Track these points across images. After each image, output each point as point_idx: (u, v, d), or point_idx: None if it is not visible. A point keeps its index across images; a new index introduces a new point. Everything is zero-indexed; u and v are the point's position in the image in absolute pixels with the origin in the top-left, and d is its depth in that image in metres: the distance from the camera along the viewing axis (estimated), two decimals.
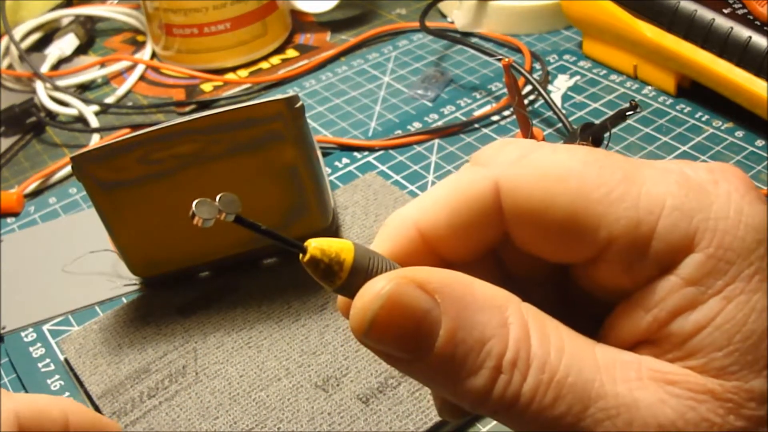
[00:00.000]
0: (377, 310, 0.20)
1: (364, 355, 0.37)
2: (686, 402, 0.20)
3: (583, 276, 0.23)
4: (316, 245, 0.21)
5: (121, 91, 0.62)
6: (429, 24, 0.61)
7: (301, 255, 0.21)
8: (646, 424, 0.20)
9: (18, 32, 0.68)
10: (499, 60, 0.46)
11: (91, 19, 0.72)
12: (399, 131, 0.54)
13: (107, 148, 0.37)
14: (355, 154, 0.52)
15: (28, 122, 0.58)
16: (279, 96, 0.37)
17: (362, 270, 0.21)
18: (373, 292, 0.21)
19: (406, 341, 0.21)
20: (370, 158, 0.52)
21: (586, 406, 0.20)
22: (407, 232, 0.23)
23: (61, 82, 0.62)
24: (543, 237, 0.22)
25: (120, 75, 0.65)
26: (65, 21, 0.71)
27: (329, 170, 0.51)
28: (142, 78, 0.64)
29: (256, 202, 0.38)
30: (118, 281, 0.43)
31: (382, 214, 0.44)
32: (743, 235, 0.20)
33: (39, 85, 0.61)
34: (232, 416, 0.35)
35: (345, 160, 0.52)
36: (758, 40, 0.46)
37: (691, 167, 0.21)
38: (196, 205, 0.20)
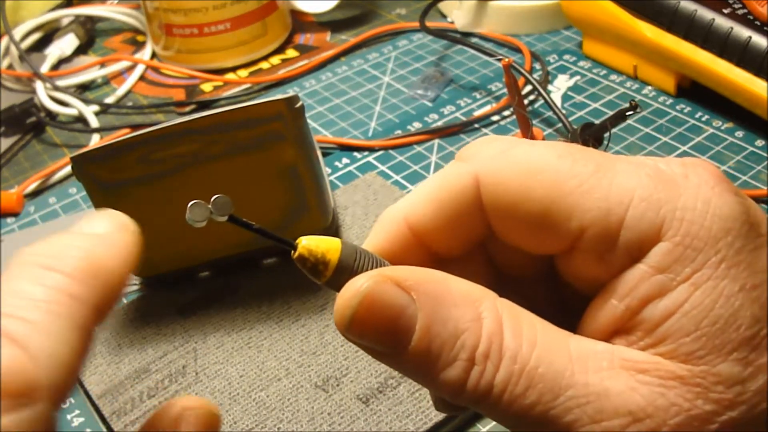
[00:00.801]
0: (356, 307, 0.21)
1: (364, 356, 0.37)
2: (656, 389, 0.21)
3: (563, 267, 0.24)
4: (305, 244, 0.22)
5: (121, 91, 0.62)
6: (429, 24, 0.61)
7: (292, 252, 0.22)
8: (616, 411, 0.21)
9: (18, 32, 0.68)
10: (499, 60, 0.47)
11: (91, 19, 0.72)
12: (399, 131, 0.54)
13: (107, 148, 0.37)
14: (355, 154, 0.52)
15: (28, 122, 0.58)
16: (279, 96, 0.37)
17: (347, 268, 0.22)
18: (353, 289, 0.22)
19: (385, 336, 0.22)
20: (370, 158, 0.52)
21: (557, 395, 0.21)
22: (398, 227, 0.24)
23: (61, 82, 0.62)
24: (521, 228, 0.23)
25: (120, 75, 0.65)
26: (65, 21, 0.71)
27: (329, 170, 0.51)
28: (142, 78, 0.64)
29: (256, 201, 0.38)
30: None
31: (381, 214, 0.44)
32: (710, 224, 0.20)
33: (39, 85, 0.61)
34: (232, 416, 0.35)
35: (345, 160, 0.52)
36: (758, 40, 0.46)
37: (664, 162, 0.22)
38: (189, 207, 0.22)
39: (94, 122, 0.58)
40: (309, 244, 0.22)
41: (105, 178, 0.38)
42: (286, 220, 0.40)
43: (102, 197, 0.38)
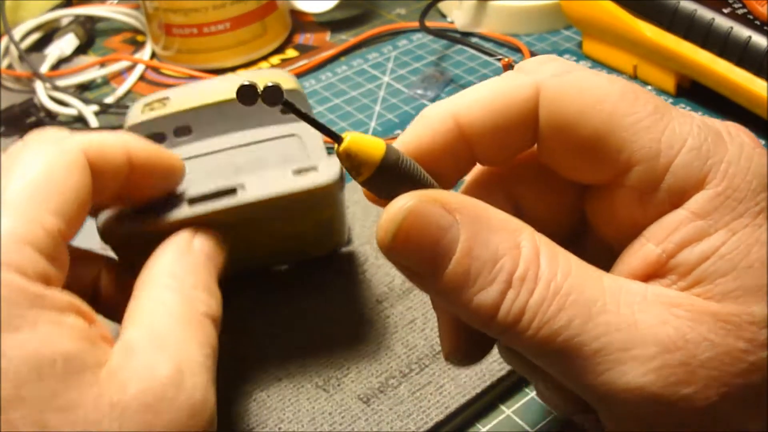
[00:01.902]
0: (400, 223, 0.22)
1: (365, 355, 0.37)
2: (688, 323, 0.21)
3: (599, 207, 0.25)
4: (351, 139, 0.23)
5: (121, 91, 0.62)
6: (429, 24, 0.61)
7: (336, 145, 0.23)
8: (644, 341, 0.21)
9: (18, 32, 0.68)
10: (499, 60, 0.47)
11: (91, 19, 0.72)
12: (399, 131, 0.54)
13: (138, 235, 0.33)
14: None
15: (28, 122, 0.58)
16: (327, 177, 0.34)
17: (389, 171, 0.23)
18: (397, 206, 0.22)
19: (426, 254, 0.22)
20: None
21: (586, 322, 0.21)
22: (445, 123, 0.24)
23: (60, 82, 0.62)
24: (570, 151, 0.24)
25: (120, 75, 0.65)
26: (65, 21, 0.71)
27: None
28: (141, 78, 0.64)
29: (280, 238, 0.38)
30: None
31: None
32: (751, 178, 0.22)
33: (39, 85, 0.61)
34: (232, 416, 0.35)
35: None
36: (758, 39, 0.46)
37: (709, 119, 0.23)
38: (239, 91, 0.23)
39: (93, 122, 0.58)
40: (354, 141, 0.23)
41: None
42: (306, 247, 0.40)
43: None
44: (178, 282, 0.28)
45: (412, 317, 0.38)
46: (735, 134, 0.23)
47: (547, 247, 0.23)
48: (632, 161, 0.23)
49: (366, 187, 0.24)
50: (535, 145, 0.25)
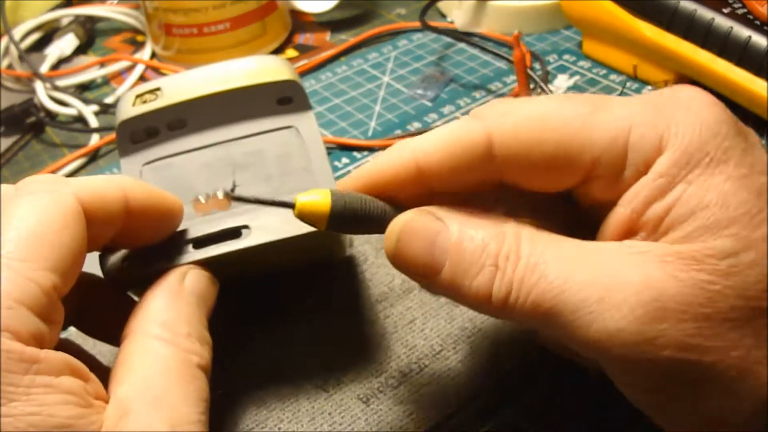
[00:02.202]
0: (399, 233, 0.27)
1: (365, 355, 0.37)
2: (654, 265, 0.24)
3: (580, 198, 0.27)
4: (299, 205, 0.28)
5: (121, 91, 0.62)
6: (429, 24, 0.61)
7: (293, 210, 0.28)
8: (617, 289, 0.23)
9: (18, 32, 0.68)
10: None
11: (91, 19, 0.72)
12: (399, 131, 0.54)
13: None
14: (355, 154, 0.52)
15: (28, 122, 0.58)
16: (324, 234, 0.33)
17: (339, 216, 0.27)
18: (398, 222, 0.27)
19: (424, 257, 0.26)
20: (369, 158, 0.52)
21: (565, 282, 0.24)
22: (405, 158, 0.28)
23: (60, 82, 0.62)
24: (536, 172, 0.27)
25: (120, 75, 0.65)
26: (65, 21, 0.71)
27: None
28: (141, 78, 0.64)
29: (282, 263, 0.38)
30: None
31: None
32: (699, 131, 0.24)
33: (39, 85, 0.61)
34: (232, 416, 0.35)
35: (345, 160, 0.52)
36: (758, 39, 0.46)
37: (657, 92, 0.26)
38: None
39: (93, 122, 0.58)
40: (301, 206, 0.28)
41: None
42: (308, 262, 0.40)
43: None
44: (170, 332, 0.28)
45: (412, 317, 0.38)
46: (681, 95, 0.25)
47: (528, 230, 0.26)
48: (594, 156, 0.25)
49: (334, 230, 0.28)
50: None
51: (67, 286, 0.26)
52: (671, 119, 0.24)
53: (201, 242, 0.32)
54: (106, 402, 0.26)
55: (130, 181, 0.30)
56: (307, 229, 0.32)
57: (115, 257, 0.32)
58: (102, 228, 0.28)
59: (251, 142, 0.38)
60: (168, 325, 0.28)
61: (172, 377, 0.26)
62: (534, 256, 0.25)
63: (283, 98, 0.39)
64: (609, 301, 0.23)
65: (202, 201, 0.29)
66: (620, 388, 0.26)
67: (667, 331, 0.23)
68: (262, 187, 0.37)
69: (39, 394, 0.23)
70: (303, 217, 0.28)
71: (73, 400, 0.24)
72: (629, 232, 0.25)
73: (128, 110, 0.38)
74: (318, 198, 0.28)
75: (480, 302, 0.26)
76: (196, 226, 0.33)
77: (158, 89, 0.38)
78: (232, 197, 0.29)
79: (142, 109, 0.37)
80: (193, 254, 0.32)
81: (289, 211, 0.29)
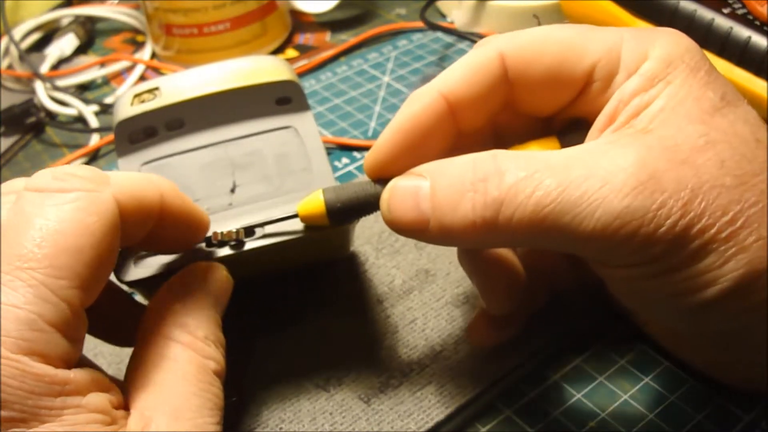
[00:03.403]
0: (388, 197, 0.29)
1: (366, 356, 0.37)
2: (641, 149, 0.26)
3: (581, 110, 0.30)
4: (299, 211, 0.31)
5: (121, 91, 0.62)
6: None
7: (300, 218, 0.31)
8: (613, 174, 0.25)
9: (18, 32, 0.68)
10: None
11: (91, 19, 0.72)
12: None
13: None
14: (355, 154, 0.52)
15: (28, 122, 0.58)
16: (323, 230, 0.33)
17: (337, 210, 0.30)
18: (386, 189, 0.29)
19: (412, 213, 0.28)
20: None
21: (561, 183, 0.26)
22: (432, 99, 0.30)
23: (60, 82, 0.62)
24: (543, 84, 0.29)
25: (120, 75, 0.65)
26: (65, 21, 0.71)
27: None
28: (141, 78, 0.64)
29: (290, 262, 0.38)
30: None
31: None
32: (677, 47, 0.28)
33: (39, 85, 0.61)
34: (233, 417, 0.35)
35: (345, 160, 0.52)
36: (758, 40, 0.46)
37: (639, 29, 0.30)
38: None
39: (93, 122, 0.58)
40: (301, 211, 0.31)
41: None
42: (315, 260, 0.40)
43: None
44: (189, 336, 0.28)
45: (412, 317, 0.38)
46: (664, 30, 0.29)
47: (504, 152, 0.27)
48: (594, 60, 0.28)
49: (337, 224, 0.31)
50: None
51: (92, 300, 0.26)
52: (654, 39, 0.28)
53: (214, 243, 0.33)
54: (126, 409, 0.26)
55: (167, 184, 0.29)
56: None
57: (128, 258, 0.32)
58: (132, 232, 0.28)
59: (250, 142, 0.38)
60: (187, 327, 0.28)
61: (192, 386, 0.27)
62: (520, 169, 0.26)
63: (281, 98, 0.39)
64: (608, 187, 0.25)
65: (219, 236, 0.32)
66: (611, 275, 0.29)
67: (667, 201, 0.25)
68: (261, 187, 0.37)
69: (70, 414, 0.23)
70: (307, 221, 0.30)
71: (100, 419, 0.24)
72: (610, 120, 0.28)
73: (126, 110, 0.37)
74: (311, 200, 0.30)
75: (471, 233, 0.27)
76: (219, 222, 0.33)
77: (156, 89, 0.38)
78: (247, 228, 0.33)
79: (140, 108, 0.37)
80: (207, 253, 0.32)
81: (292, 212, 0.32)
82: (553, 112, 0.31)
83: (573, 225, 0.25)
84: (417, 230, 0.28)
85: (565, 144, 0.29)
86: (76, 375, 0.24)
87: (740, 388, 0.33)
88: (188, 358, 0.27)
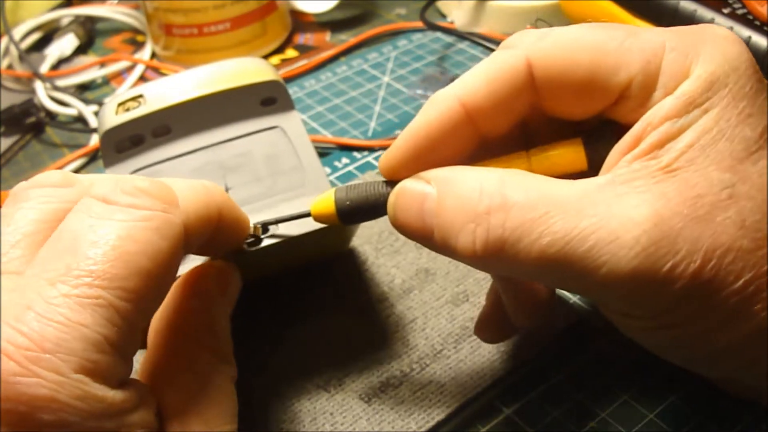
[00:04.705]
0: (394, 201, 0.28)
1: (366, 355, 0.37)
2: (658, 201, 0.24)
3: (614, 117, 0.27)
4: (311, 210, 0.30)
5: (121, 91, 0.62)
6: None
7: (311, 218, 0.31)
8: (625, 228, 0.24)
9: (18, 32, 0.68)
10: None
11: (91, 19, 0.72)
12: (399, 131, 0.54)
13: None
14: (355, 154, 0.52)
15: (28, 122, 0.58)
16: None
17: (347, 210, 0.30)
18: (393, 192, 0.28)
19: (416, 222, 0.27)
20: (369, 158, 0.52)
21: (571, 228, 0.24)
22: (450, 105, 0.28)
23: (60, 82, 0.62)
24: (572, 94, 0.27)
25: (120, 75, 0.65)
26: (65, 21, 0.71)
27: (329, 170, 0.51)
28: (141, 78, 0.64)
29: (296, 258, 0.38)
30: None
31: None
32: (722, 64, 0.25)
33: (39, 85, 0.61)
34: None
35: (345, 160, 0.52)
36: (758, 40, 0.46)
37: (683, 27, 0.27)
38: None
39: (93, 122, 0.58)
40: (313, 210, 0.30)
41: None
42: (318, 256, 0.40)
43: None
44: (212, 339, 0.28)
45: (412, 317, 0.38)
46: (711, 32, 0.26)
47: (513, 179, 0.26)
48: (630, 75, 0.26)
49: (347, 224, 0.30)
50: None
51: (149, 320, 0.26)
52: (699, 48, 0.25)
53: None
54: (155, 412, 0.26)
55: (222, 195, 0.29)
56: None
57: None
58: (189, 247, 0.27)
59: (238, 145, 0.38)
60: (209, 331, 0.28)
61: (218, 393, 0.27)
62: (528, 207, 0.25)
63: (266, 99, 0.39)
64: (620, 242, 0.24)
65: None
66: (618, 320, 0.28)
67: (679, 264, 0.24)
68: (254, 188, 0.37)
69: None
70: (318, 219, 0.30)
71: None
72: (636, 142, 0.26)
73: (111, 119, 0.37)
74: (323, 199, 0.30)
75: (472, 261, 0.26)
76: None
77: (140, 96, 0.38)
78: (262, 224, 0.32)
79: (125, 117, 0.37)
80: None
81: (299, 208, 0.32)
82: (584, 118, 0.29)
83: (581, 273, 0.24)
84: (421, 238, 0.27)
85: (589, 150, 0.28)
86: (129, 394, 0.24)
87: (744, 396, 0.32)
88: (213, 364, 0.27)
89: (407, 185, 0.28)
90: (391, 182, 0.29)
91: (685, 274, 0.24)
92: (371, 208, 0.30)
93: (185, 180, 0.28)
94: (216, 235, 0.28)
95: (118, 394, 0.23)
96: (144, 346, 0.29)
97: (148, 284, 0.24)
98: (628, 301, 0.26)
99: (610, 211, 0.24)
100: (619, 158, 0.26)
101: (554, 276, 0.26)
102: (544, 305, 0.33)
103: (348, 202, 0.29)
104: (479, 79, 0.27)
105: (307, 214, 0.31)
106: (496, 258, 0.25)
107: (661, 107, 0.25)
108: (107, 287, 0.23)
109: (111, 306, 0.23)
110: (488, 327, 0.35)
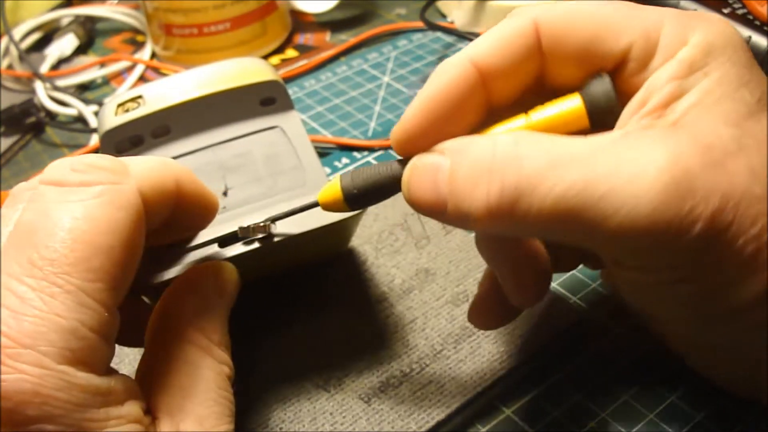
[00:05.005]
0: (409, 179, 0.27)
1: (366, 355, 0.37)
2: (672, 146, 0.24)
3: (618, 87, 0.28)
4: (319, 199, 0.30)
5: (121, 91, 0.62)
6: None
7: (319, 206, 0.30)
8: (643, 171, 0.24)
9: (18, 32, 0.68)
10: None
11: (91, 19, 0.72)
12: None
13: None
14: (355, 154, 0.52)
15: (28, 122, 0.58)
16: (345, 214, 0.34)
17: (354, 195, 0.29)
18: (407, 167, 0.28)
19: (430, 195, 0.27)
20: (369, 158, 0.52)
21: (585, 175, 0.24)
22: (465, 68, 0.28)
23: (60, 82, 0.62)
24: (575, 58, 0.28)
25: (120, 75, 0.65)
26: (65, 21, 0.71)
27: (329, 170, 0.51)
28: (141, 78, 0.64)
29: (297, 257, 0.38)
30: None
31: (381, 214, 0.44)
32: (720, 37, 0.26)
33: (39, 85, 0.61)
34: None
35: (345, 160, 0.52)
36: (758, 40, 0.46)
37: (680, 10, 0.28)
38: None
39: (93, 122, 0.58)
40: (320, 199, 0.30)
41: None
42: (319, 256, 0.40)
43: None
44: (206, 339, 0.28)
45: (412, 317, 0.38)
46: (707, 15, 0.28)
47: (526, 135, 0.26)
48: (632, 40, 0.27)
49: (356, 209, 0.30)
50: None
51: (122, 298, 0.25)
52: (696, 24, 0.27)
53: (227, 242, 0.33)
54: (148, 412, 0.26)
55: (179, 167, 0.28)
56: (327, 219, 0.33)
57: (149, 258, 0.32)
58: (152, 221, 0.27)
59: (238, 145, 0.38)
60: (204, 331, 0.28)
61: (212, 392, 0.27)
62: (542, 158, 0.25)
63: (265, 99, 0.39)
64: (637, 185, 0.23)
65: (250, 231, 0.32)
66: (629, 279, 0.28)
67: (697, 206, 0.23)
68: (254, 188, 0.37)
69: (113, 426, 0.23)
70: (327, 207, 0.30)
71: (138, 429, 0.24)
72: (641, 107, 0.26)
73: (111, 120, 0.37)
74: (329, 186, 0.30)
75: (487, 221, 0.26)
76: (215, 226, 0.33)
77: (140, 97, 0.38)
78: (272, 219, 0.32)
79: (124, 118, 0.37)
80: (221, 252, 0.32)
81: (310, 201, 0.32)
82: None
83: (595, 222, 0.24)
84: (435, 212, 0.27)
85: (588, 99, 0.27)
86: (116, 384, 0.24)
87: (745, 395, 0.32)
88: (208, 363, 0.27)
89: (420, 159, 0.27)
90: (401, 161, 0.29)
91: (704, 216, 0.24)
92: (379, 189, 0.29)
93: (138, 156, 0.28)
94: (180, 209, 0.28)
95: (104, 382, 0.23)
96: (142, 344, 0.29)
97: (114, 260, 0.24)
98: (645, 252, 0.25)
99: (626, 156, 0.24)
100: (628, 120, 0.27)
101: (570, 228, 0.25)
102: (543, 278, 0.32)
103: (354, 189, 0.29)
104: (491, 42, 0.28)
105: (315, 205, 0.31)
106: (510, 214, 0.25)
107: (664, 71, 0.26)
108: (73, 272, 0.23)
109: (80, 290, 0.23)
110: (483, 312, 0.34)
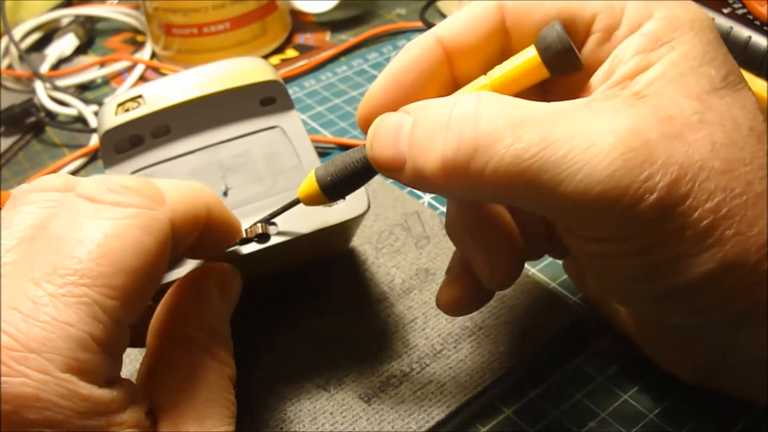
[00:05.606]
0: (373, 132, 0.28)
1: (366, 355, 0.37)
2: (634, 115, 0.24)
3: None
4: (299, 195, 0.31)
5: (121, 91, 0.62)
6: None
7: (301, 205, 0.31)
8: (602, 135, 0.24)
9: (18, 32, 0.68)
10: None
11: (91, 19, 0.72)
12: None
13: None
14: None
15: (28, 122, 0.58)
16: (362, 207, 0.35)
17: (330, 185, 0.29)
18: (372, 125, 0.28)
19: (390, 150, 0.27)
20: None
21: (545, 137, 0.24)
22: (430, 43, 0.29)
23: (60, 82, 0.62)
24: (539, 31, 0.27)
25: (120, 75, 0.65)
26: (65, 21, 0.71)
27: None
28: (141, 78, 0.64)
29: (299, 258, 0.38)
30: None
31: (381, 214, 0.44)
32: (686, 13, 0.27)
33: (39, 85, 0.61)
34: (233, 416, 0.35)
35: None
36: (758, 39, 0.46)
37: None
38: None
39: (93, 122, 0.58)
40: (300, 195, 0.30)
41: None
42: (320, 256, 0.40)
43: None
44: (208, 341, 0.28)
45: (412, 316, 0.38)
46: None
47: (488, 95, 0.26)
48: (596, 11, 0.27)
49: (335, 198, 0.30)
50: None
51: (136, 318, 0.25)
52: (662, 1, 0.27)
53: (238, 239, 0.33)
54: (148, 413, 0.26)
55: (211, 195, 0.29)
56: (329, 221, 0.34)
57: None
58: (178, 247, 0.27)
59: (238, 145, 0.38)
60: (206, 332, 0.28)
61: (214, 393, 0.27)
62: (502, 116, 0.24)
63: (265, 99, 0.39)
64: (597, 148, 0.23)
65: (244, 234, 0.32)
66: (581, 249, 0.27)
67: (654, 174, 0.23)
68: (254, 188, 0.37)
69: None
70: (307, 201, 0.30)
71: None
72: (606, 78, 0.27)
73: (111, 120, 0.37)
74: (306, 181, 0.30)
75: (442, 178, 0.25)
76: None
77: (140, 97, 0.38)
78: (266, 221, 0.33)
79: (124, 118, 0.37)
80: (230, 253, 0.32)
81: (304, 209, 0.32)
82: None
83: (552, 185, 0.24)
84: (394, 170, 0.27)
85: (541, 47, 0.27)
86: (118, 393, 0.24)
87: (744, 396, 0.32)
88: (210, 364, 0.27)
89: (386, 117, 0.27)
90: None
91: (661, 185, 0.23)
92: (353, 172, 0.29)
93: (173, 180, 0.28)
94: (205, 235, 0.28)
95: (106, 393, 0.23)
96: (143, 345, 0.29)
97: (135, 282, 0.24)
98: (599, 220, 0.25)
99: (586, 122, 0.24)
100: (591, 92, 0.27)
101: (525, 191, 0.25)
102: (517, 259, 0.32)
103: (329, 177, 0.29)
104: (456, 20, 0.29)
105: (297, 202, 0.31)
106: (465, 172, 0.25)
107: (629, 43, 0.26)
108: (93, 285, 0.23)
109: (97, 304, 0.23)
110: (454, 297, 0.33)
